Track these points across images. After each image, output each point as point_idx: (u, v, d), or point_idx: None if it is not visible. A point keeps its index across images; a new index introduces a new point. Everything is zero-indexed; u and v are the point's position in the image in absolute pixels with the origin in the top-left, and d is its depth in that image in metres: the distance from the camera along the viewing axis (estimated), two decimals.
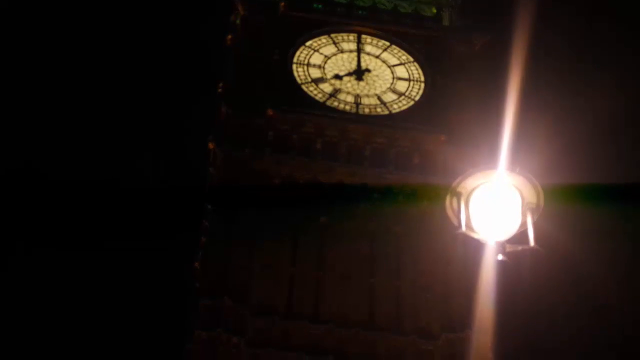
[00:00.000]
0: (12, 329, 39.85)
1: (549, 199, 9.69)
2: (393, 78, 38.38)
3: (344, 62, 38.71)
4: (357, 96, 37.41)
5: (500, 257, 9.50)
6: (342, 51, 39.18)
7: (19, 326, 40.60)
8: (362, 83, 37.95)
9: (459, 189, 9.67)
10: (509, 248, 9.57)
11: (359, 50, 39.31)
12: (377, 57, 39.20)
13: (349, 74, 38.21)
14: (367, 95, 37.54)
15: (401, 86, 38.14)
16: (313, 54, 38.78)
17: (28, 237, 43.05)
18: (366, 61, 38.91)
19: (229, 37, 39.35)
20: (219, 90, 36.97)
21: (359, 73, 38.29)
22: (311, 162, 35.29)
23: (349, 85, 37.84)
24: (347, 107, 36.88)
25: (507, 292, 9.40)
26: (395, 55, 39.38)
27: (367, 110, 36.98)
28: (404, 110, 37.28)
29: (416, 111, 37.15)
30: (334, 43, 39.43)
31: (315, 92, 37.31)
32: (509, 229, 9.65)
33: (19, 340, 40.21)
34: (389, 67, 38.84)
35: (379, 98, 37.53)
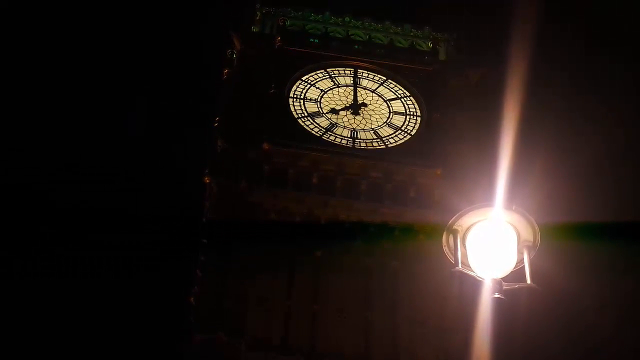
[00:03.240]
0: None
1: (545, 237, 9.66)
2: (389, 112, 38.40)
3: (341, 97, 38.76)
4: (353, 130, 37.39)
5: (496, 295, 9.45)
6: (338, 85, 39.25)
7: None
8: (358, 117, 37.97)
9: (455, 227, 9.68)
10: (505, 286, 9.53)
11: (356, 85, 39.37)
12: (374, 91, 39.26)
13: (346, 108, 38.25)
14: (364, 130, 37.54)
15: (397, 120, 38.16)
16: (309, 88, 38.84)
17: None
18: (362, 95, 38.96)
19: (225, 71, 39.45)
20: (215, 124, 36.96)
21: (356, 107, 38.33)
22: (307, 196, 35.20)
23: (345, 119, 37.85)
24: (344, 142, 36.86)
25: (503, 330, 9.34)
26: (391, 89, 39.46)
27: (363, 145, 36.94)
28: (400, 145, 37.27)
29: (412, 145, 37.13)
30: (331, 77, 39.51)
31: (311, 126, 37.31)
32: (506, 267, 9.64)
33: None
34: (385, 101, 38.88)
35: (375, 132, 37.52)
